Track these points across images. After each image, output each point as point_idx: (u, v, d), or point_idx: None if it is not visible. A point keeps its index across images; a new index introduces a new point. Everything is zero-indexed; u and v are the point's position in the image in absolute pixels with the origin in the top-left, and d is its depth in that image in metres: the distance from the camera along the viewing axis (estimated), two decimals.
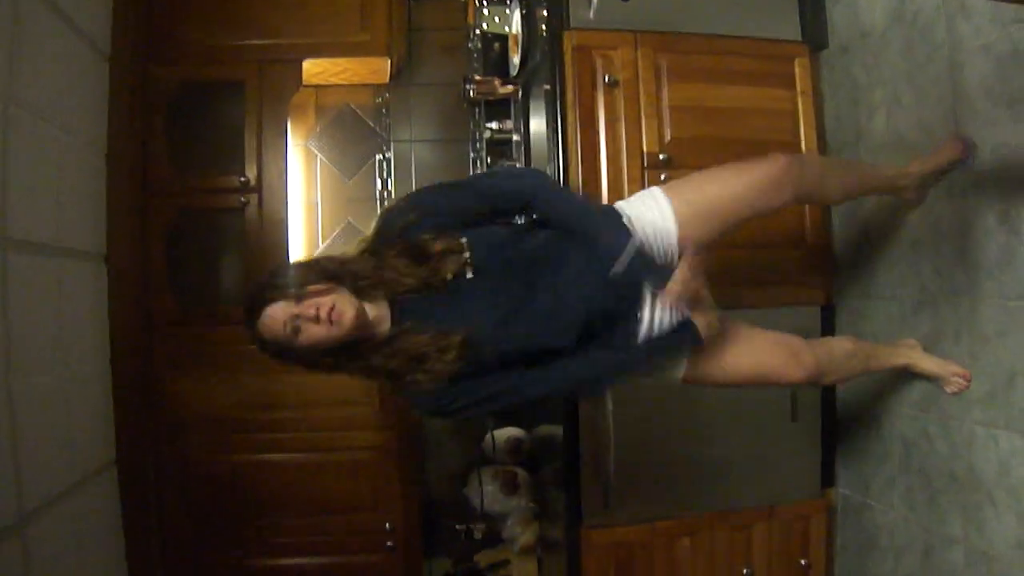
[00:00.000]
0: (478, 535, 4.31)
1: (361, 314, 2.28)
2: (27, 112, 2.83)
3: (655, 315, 2.44)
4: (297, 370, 2.46)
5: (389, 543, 3.99)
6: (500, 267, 2.41)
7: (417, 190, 2.70)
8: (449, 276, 2.35)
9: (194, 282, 4.06)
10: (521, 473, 4.27)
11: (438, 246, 2.36)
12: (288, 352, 2.32)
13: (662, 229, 2.54)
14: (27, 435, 2.69)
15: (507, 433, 4.40)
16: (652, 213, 2.57)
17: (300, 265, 2.42)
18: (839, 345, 2.96)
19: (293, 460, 3.97)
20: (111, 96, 3.60)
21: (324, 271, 2.34)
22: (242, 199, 3.96)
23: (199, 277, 4.11)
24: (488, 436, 4.36)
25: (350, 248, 2.48)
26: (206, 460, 3.89)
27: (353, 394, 3.95)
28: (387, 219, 2.49)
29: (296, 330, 2.23)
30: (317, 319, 2.21)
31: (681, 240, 2.53)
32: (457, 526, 4.33)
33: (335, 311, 2.22)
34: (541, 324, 2.41)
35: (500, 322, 2.37)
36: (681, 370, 2.59)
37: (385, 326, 2.37)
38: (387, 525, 3.99)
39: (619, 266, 2.36)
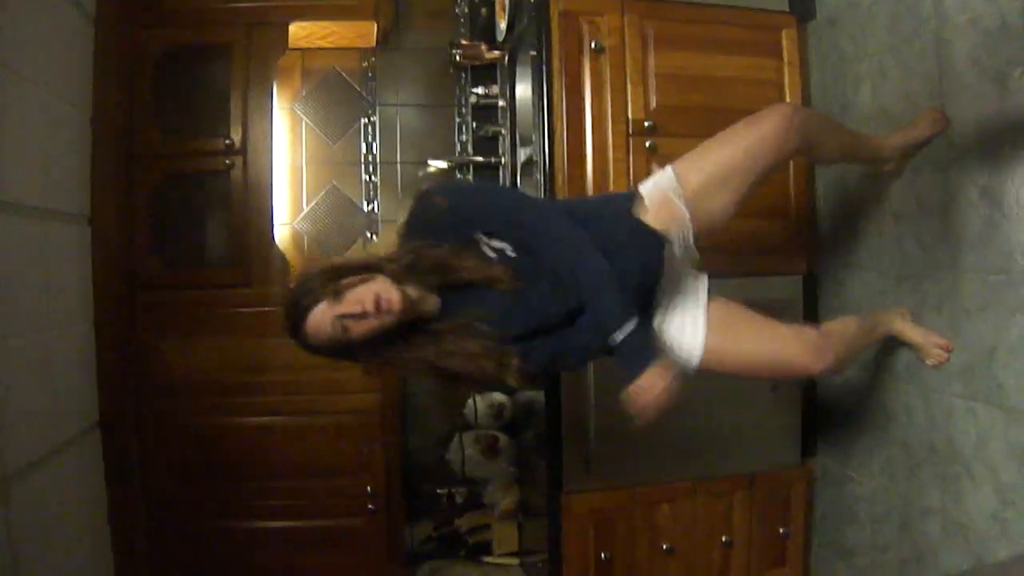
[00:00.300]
0: (459, 499, 4.34)
1: (406, 296, 2.24)
2: (12, 73, 2.82)
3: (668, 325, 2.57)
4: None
5: (371, 506, 4.00)
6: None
7: (457, 187, 2.62)
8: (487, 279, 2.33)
9: (179, 244, 4.04)
10: (502, 438, 4.29)
11: (472, 263, 2.34)
12: (346, 350, 2.28)
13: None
14: (9, 396, 2.69)
15: (489, 398, 4.41)
16: (663, 190, 2.59)
17: (328, 266, 2.33)
18: (848, 329, 2.93)
19: (276, 423, 3.97)
20: (97, 58, 3.59)
21: (355, 265, 2.29)
22: (227, 162, 3.94)
23: (184, 239, 4.09)
24: (470, 401, 4.38)
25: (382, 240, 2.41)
26: (190, 423, 3.90)
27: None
28: (421, 210, 2.44)
29: (345, 328, 2.18)
30: (364, 315, 2.17)
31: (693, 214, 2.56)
32: (439, 490, 4.35)
33: (381, 300, 2.18)
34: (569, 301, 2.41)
35: (541, 304, 2.38)
36: (697, 358, 2.58)
37: (431, 304, 2.34)
38: (369, 488, 4.00)
39: (619, 335, 2.33)
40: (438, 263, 2.32)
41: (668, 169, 2.61)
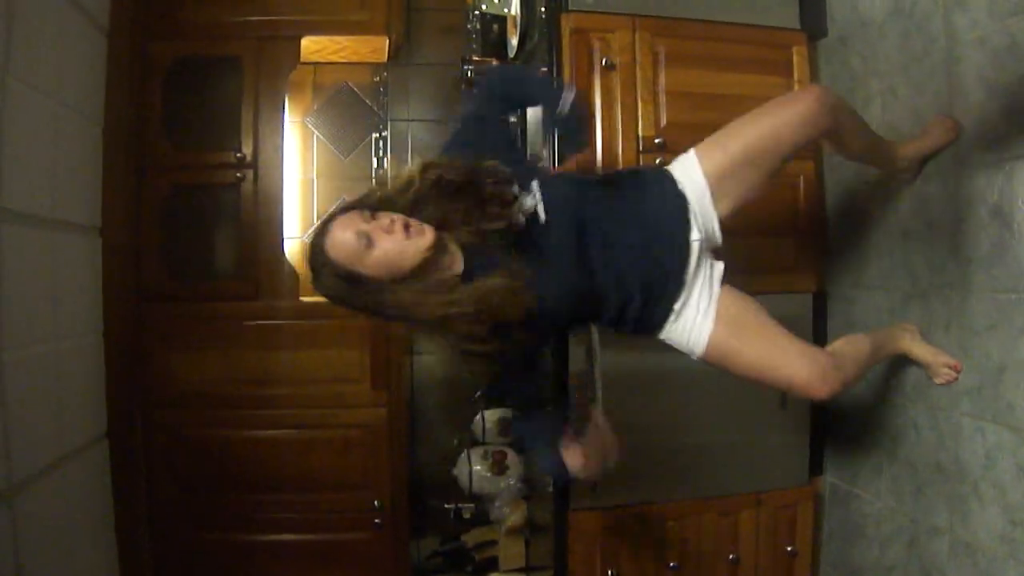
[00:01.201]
0: (466, 515, 4.33)
1: (440, 239, 2.24)
2: (24, 84, 2.83)
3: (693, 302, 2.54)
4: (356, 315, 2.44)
5: (377, 521, 4.01)
6: (568, 221, 2.40)
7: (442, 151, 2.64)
8: (518, 224, 2.33)
9: (188, 257, 4.06)
10: (511, 454, 4.29)
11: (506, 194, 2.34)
12: (354, 281, 2.24)
13: (695, 186, 2.54)
14: (18, 406, 2.70)
15: (497, 414, 4.41)
16: (685, 171, 2.57)
17: (368, 195, 2.36)
18: (860, 351, 2.85)
19: (283, 436, 3.98)
20: (109, 70, 3.61)
21: (394, 203, 2.29)
22: (238, 175, 3.96)
23: (194, 252, 4.11)
24: (478, 416, 4.37)
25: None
26: (197, 435, 3.91)
27: (345, 372, 3.98)
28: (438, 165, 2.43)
29: (369, 242, 2.17)
30: (391, 230, 2.17)
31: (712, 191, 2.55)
32: (446, 505, 4.35)
33: (413, 225, 2.20)
34: (601, 282, 2.45)
35: (564, 279, 2.39)
36: (701, 350, 2.55)
37: (457, 268, 2.31)
38: (375, 503, 4.01)
39: (563, 105, 2.55)
40: (465, 173, 2.33)
41: (691, 152, 2.60)
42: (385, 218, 2.19)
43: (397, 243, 2.18)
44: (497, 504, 4.18)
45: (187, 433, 3.90)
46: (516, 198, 2.34)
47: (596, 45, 3.46)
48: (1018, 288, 2.69)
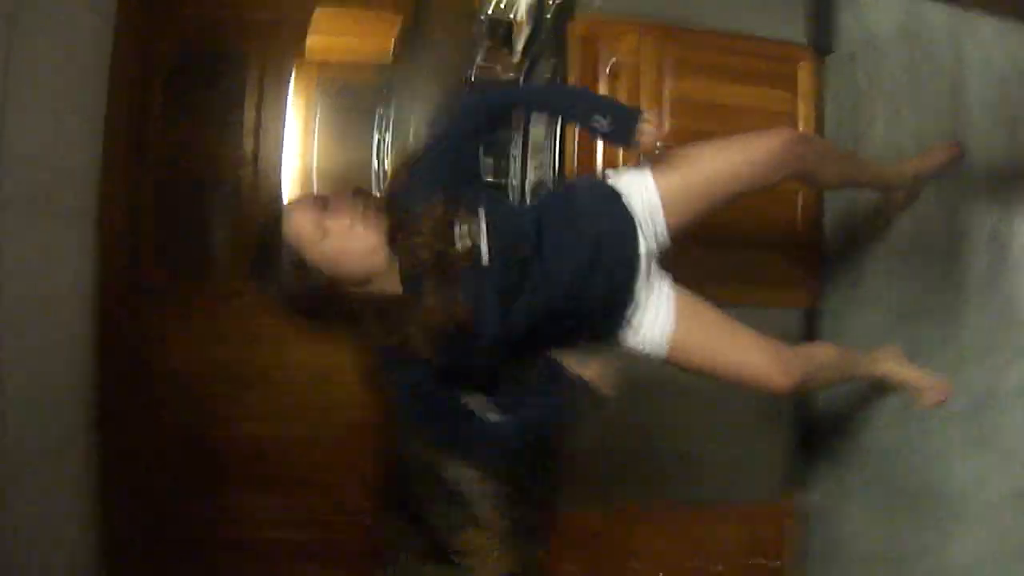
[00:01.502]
0: (453, 516, 4.33)
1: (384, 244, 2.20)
2: (26, 75, 2.83)
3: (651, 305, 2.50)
4: (289, 321, 2.36)
5: (364, 521, 4.01)
6: (513, 244, 2.35)
7: (414, 159, 2.62)
8: (462, 258, 2.27)
9: (185, 251, 4.06)
10: None
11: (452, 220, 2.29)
12: (302, 274, 2.17)
13: (647, 201, 2.51)
14: (7, 398, 2.70)
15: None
16: (637, 183, 2.55)
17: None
18: (823, 353, 2.83)
19: (273, 434, 3.98)
20: (112, 62, 3.60)
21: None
22: (238, 171, 3.96)
23: (191, 246, 4.11)
24: None
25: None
26: (187, 430, 3.92)
27: (335, 371, 3.97)
28: (397, 183, 2.46)
29: (325, 232, 2.13)
30: (352, 224, 2.14)
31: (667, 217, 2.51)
32: (433, 507, 4.34)
33: (366, 219, 2.16)
34: (540, 307, 2.37)
35: (503, 303, 2.32)
36: (664, 351, 2.52)
37: (394, 284, 2.26)
38: (363, 503, 4.01)
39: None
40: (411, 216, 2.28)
41: (646, 166, 2.59)
42: (339, 209, 2.16)
43: (353, 232, 2.15)
44: (484, 507, 4.19)
45: (177, 428, 3.91)
46: (459, 223, 2.31)
47: (602, 51, 3.46)
48: (1011, 313, 2.69)
